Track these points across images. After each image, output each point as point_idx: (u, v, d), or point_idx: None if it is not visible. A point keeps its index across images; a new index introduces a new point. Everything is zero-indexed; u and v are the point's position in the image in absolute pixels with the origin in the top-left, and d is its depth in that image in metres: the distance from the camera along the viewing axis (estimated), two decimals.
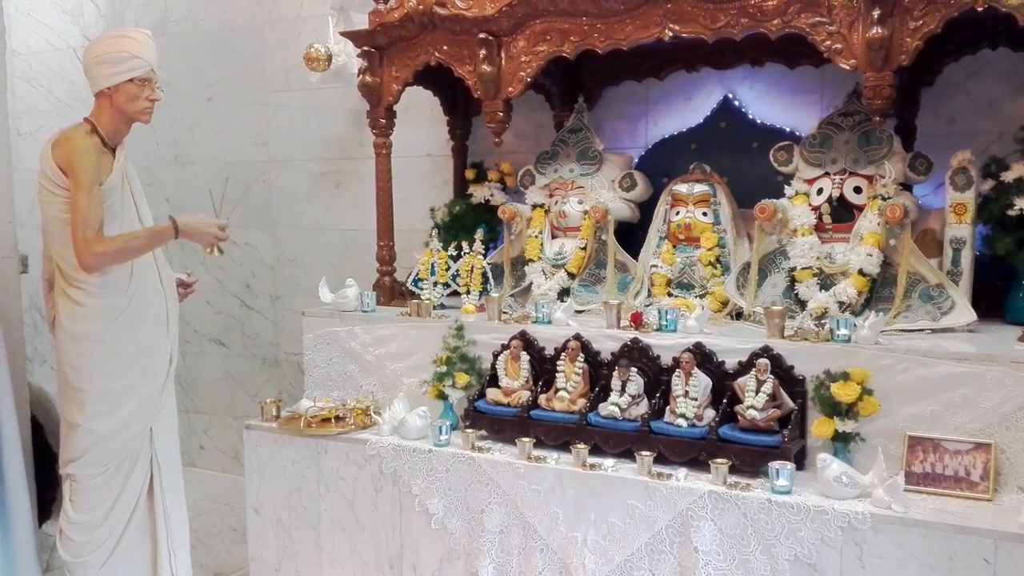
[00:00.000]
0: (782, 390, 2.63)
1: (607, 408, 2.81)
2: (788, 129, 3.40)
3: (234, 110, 4.85)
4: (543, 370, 3.04)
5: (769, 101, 3.50)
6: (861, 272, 2.87)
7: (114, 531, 3.03)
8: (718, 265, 3.21)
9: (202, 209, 3.38)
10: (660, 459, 2.65)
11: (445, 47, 3.32)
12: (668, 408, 2.76)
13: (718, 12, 2.82)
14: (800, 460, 2.61)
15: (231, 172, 4.53)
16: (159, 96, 2.98)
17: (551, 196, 3.60)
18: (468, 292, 3.45)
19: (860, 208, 2.96)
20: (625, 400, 2.80)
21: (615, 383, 2.83)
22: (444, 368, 3.13)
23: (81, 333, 2.93)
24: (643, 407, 2.80)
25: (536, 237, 3.56)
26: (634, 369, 2.83)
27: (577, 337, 2.98)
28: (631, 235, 3.49)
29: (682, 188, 3.31)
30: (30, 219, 4.01)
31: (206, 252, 3.07)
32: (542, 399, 2.96)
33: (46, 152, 2.89)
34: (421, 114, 4.15)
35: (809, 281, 2.96)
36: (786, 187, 3.12)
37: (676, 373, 2.75)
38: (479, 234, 3.52)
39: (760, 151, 3.30)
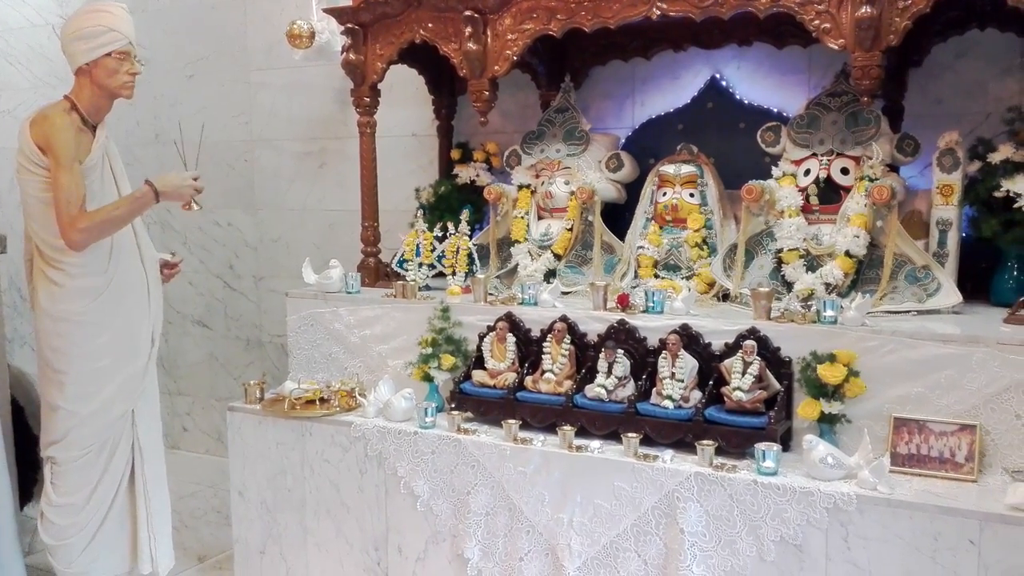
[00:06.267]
0: (768, 372, 2.63)
1: (593, 390, 2.80)
2: (775, 110, 3.39)
3: (216, 88, 4.79)
4: (529, 352, 3.03)
5: (756, 81, 3.49)
6: (848, 253, 2.87)
7: (96, 514, 3.01)
8: (705, 246, 3.20)
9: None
10: (646, 441, 2.65)
11: (430, 24, 3.28)
12: (654, 390, 2.75)
13: None
14: (786, 441, 2.62)
15: (214, 151, 4.48)
16: (139, 70, 2.93)
17: (537, 176, 3.58)
18: (454, 273, 3.43)
19: (847, 189, 2.96)
20: (611, 382, 2.79)
21: (601, 365, 2.82)
22: (430, 350, 3.12)
23: (60, 314, 2.90)
24: (629, 389, 2.80)
25: (522, 218, 3.54)
26: (620, 351, 2.82)
27: (563, 319, 2.96)
28: (618, 216, 3.48)
29: (669, 169, 3.29)
30: (10, 198, 3.96)
31: (184, 209, 2.97)
32: (528, 381, 2.95)
33: (24, 130, 2.84)
34: (406, 93, 4.12)
35: (796, 262, 2.96)
36: (773, 168, 3.11)
37: (662, 355, 2.75)
38: (465, 215, 3.50)
39: (747, 132, 3.28)
